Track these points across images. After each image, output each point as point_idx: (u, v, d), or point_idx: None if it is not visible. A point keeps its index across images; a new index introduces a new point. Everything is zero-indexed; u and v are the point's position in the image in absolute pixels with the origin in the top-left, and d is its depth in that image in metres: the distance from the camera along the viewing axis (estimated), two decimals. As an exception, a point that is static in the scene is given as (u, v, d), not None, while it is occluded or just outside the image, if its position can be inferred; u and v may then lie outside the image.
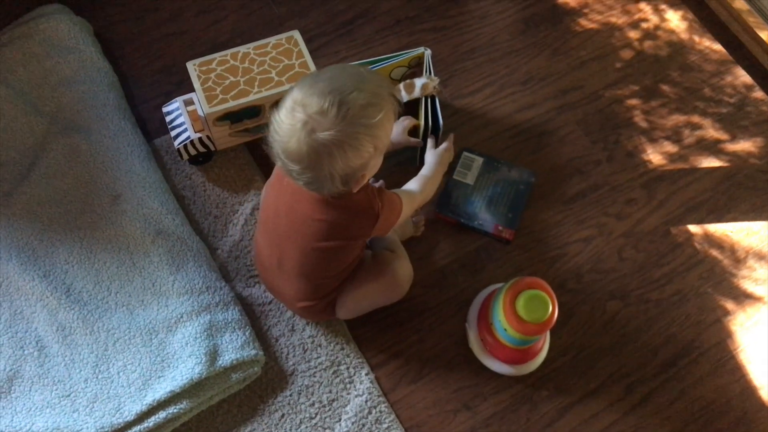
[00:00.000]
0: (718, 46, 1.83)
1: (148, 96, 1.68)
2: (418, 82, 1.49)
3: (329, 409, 1.39)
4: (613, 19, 1.85)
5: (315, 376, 1.41)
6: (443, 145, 1.49)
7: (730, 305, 1.53)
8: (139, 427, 1.31)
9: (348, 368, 1.42)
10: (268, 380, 1.40)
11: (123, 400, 1.32)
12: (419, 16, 1.83)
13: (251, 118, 1.50)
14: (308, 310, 1.39)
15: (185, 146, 1.50)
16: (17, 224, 1.46)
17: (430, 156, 1.46)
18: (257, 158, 1.59)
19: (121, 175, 1.52)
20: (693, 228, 1.60)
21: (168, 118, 1.55)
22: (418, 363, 1.44)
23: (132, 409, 1.31)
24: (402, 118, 1.51)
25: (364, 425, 1.37)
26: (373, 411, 1.38)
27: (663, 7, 1.88)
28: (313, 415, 1.38)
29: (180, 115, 1.53)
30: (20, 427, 1.30)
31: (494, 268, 1.53)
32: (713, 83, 1.78)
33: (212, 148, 1.54)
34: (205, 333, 1.37)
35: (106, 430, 1.30)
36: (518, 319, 1.24)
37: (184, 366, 1.34)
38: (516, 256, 1.55)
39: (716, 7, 1.88)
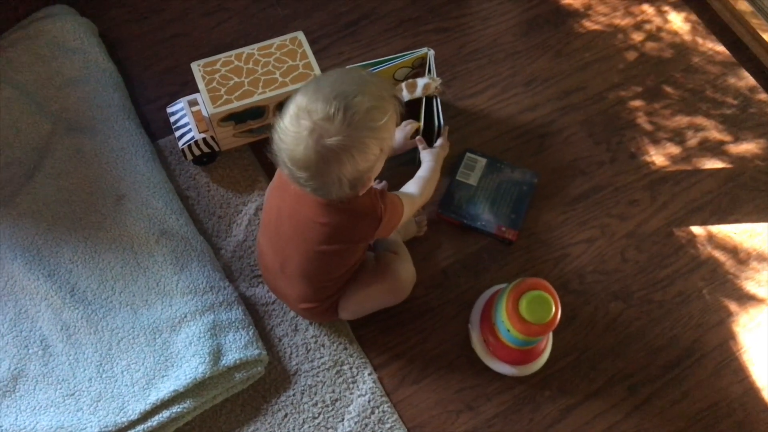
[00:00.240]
0: (721, 48, 1.83)
1: (152, 97, 1.69)
2: (420, 81, 1.49)
3: (332, 409, 1.39)
4: (617, 21, 1.86)
5: (318, 376, 1.41)
6: (438, 143, 1.49)
7: (733, 307, 1.53)
8: (142, 426, 1.31)
9: (351, 368, 1.42)
10: (271, 380, 1.41)
11: (127, 400, 1.33)
12: (423, 18, 1.83)
13: (255, 118, 1.51)
14: (311, 312, 1.40)
15: (189, 147, 1.51)
16: (22, 224, 1.47)
17: (426, 155, 1.46)
18: (261, 159, 1.60)
19: (125, 176, 1.53)
20: (696, 229, 1.60)
21: (172, 119, 1.55)
22: (420, 363, 1.44)
23: (136, 408, 1.32)
24: (404, 123, 1.51)
25: (366, 425, 1.37)
26: (376, 411, 1.39)
27: (666, 8, 1.88)
28: (316, 415, 1.38)
29: (184, 115, 1.53)
30: (24, 425, 1.30)
31: (497, 269, 1.53)
32: (716, 85, 1.78)
33: (216, 149, 1.54)
34: (209, 332, 1.38)
35: (110, 429, 1.30)
36: (521, 320, 1.24)
37: (188, 365, 1.35)
38: (519, 257, 1.55)
39: (719, 8, 1.88)
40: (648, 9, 1.88)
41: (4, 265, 1.43)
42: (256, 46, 1.52)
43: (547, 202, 1.61)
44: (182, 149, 1.52)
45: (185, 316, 1.40)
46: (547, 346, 1.43)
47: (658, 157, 1.68)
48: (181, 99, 1.56)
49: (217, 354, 1.36)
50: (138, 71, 1.72)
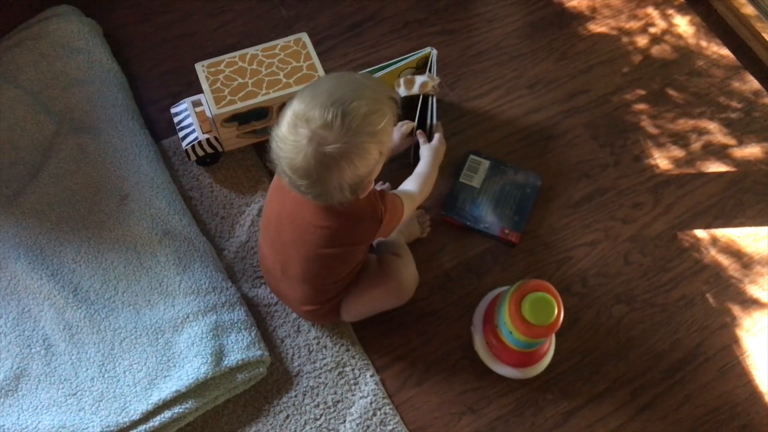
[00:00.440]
0: (726, 51, 1.83)
1: (156, 97, 1.69)
2: (419, 79, 1.49)
3: (334, 411, 1.39)
4: (621, 24, 1.85)
5: (320, 378, 1.41)
6: (436, 138, 1.49)
7: (736, 310, 1.53)
8: (144, 426, 1.31)
9: (353, 370, 1.42)
10: (273, 381, 1.41)
11: (129, 400, 1.33)
12: (427, 19, 1.83)
13: (259, 119, 1.51)
14: (313, 314, 1.40)
15: (193, 147, 1.51)
16: (26, 223, 1.47)
17: (425, 150, 1.46)
18: (264, 160, 1.60)
19: (129, 176, 1.53)
20: (700, 233, 1.60)
21: (176, 119, 1.55)
22: (423, 365, 1.44)
23: (137, 408, 1.32)
24: (400, 123, 1.51)
25: (368, 427, 1.37)
26: (378, 413, 1.39)
27: (670, 12, 1.88)
28: (318, 416, 1.38)
29: (188, 116, 1.53)
30: (26, 425, 1.31)
31: (500, 272, 1.53)
32: (721, 88, 1.78)
33: (220, 149, 1.54)
34: (211, 333, 1.38)
35: (112, 429, 1.30)
36: (524, 322, 1.24)
37: (190, 366, 1.35)
38: (522, 259, 1.55)
39: (724, 12, 1.87)
40: (652, 12, 1.88)
41: (8, 265, 1.43)
42: (260, 47, 1.52)
43: (550, 204, 1.61)
44: (186, 150, 1.52)
45: (188, 317, 1.40)
46: (549, 348, 1.42)
47: (662, 160, 1.67)
48: (184, 99, 1.56)
49: (219, 354, 1.36)
50: (142, 72, 1.72)
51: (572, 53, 1.80)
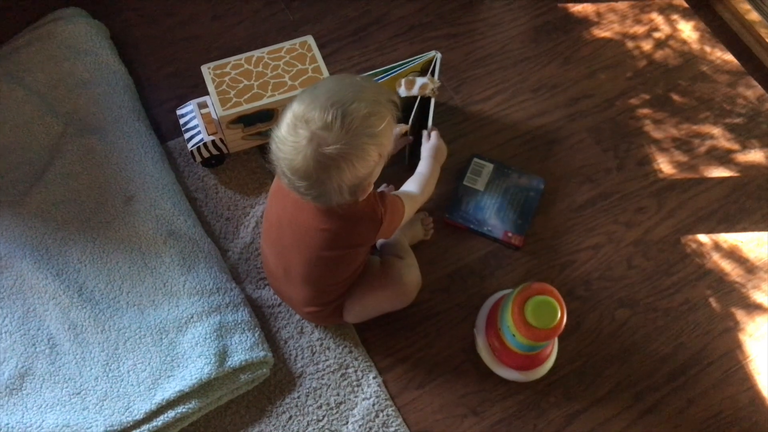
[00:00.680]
0: (729, 57, 1.83)
1: (162, 99, 1.70)
2: (419, 81, 1.49)
3: (336, 412, 1.39)
4: (626, 29, 1.86)
5: (323, 379, 1.42)
6: (433, 137, 1.47)
7: (739, 315, 1.53)
8: (147, 425, 1.32)
9: (356, 371, 1.43)
10: (276, 382, 1.41)
11: (132, 399, 1.33)
12: (432, 23, 1.84)
13: (264, 121, 1.51)
14: (315, 315, 1.41)
15: (198, 149, 1.52)
16: (32, 223, 1.48)
17: (425, 151, 1.45)
18: (266, 161, 1.60)
19: (134, 177, 1.54)
20: (703, 237, 1.60)
21: (182, 121, 1.56)
22: (425, 367, 1.44)
23: (141, 407, 1.32)
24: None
25: (371, 428, 1.37)
26: (380, 414, 1.39)
27: (675, 17, 1.89)
28: (321, 418, 1.39)
29: (194, 117, 1.54)
30: (31, 423, 1.31)
31: (503, 275, 1.54)
32: (725, 93, 1.78)
33: (225, 151, 1.55)
34: (215, 334, 1.38)
35: (116, 428, 1.31)
36: (527, 325, 1.24)
37: (194, 366, 1.35)
38: (525, 262, 1.55)
39: (729, 18, 1.88)
40: (657, 17, 1.88)
41: (13, 264, 1.44)
42: (265, 49, 1.53)
43: (553, 208, 1.61)
44: (191, 151, 1.53)
45: (192, 317, 1.41)
46: (552, 351, 1.43)
47: (665, 164, 1.68)
48: (190, 101, 1.57)
49: (222, 355, 1.36)
50: (148, 73, 1.74)
51: (576, 58, 1.81)
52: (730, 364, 1.48)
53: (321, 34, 1.79)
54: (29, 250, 1.45)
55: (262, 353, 1.38)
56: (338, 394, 1.41)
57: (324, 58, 1.55)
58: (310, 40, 1.54)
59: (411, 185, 1.39)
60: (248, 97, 1.47)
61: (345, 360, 1.44)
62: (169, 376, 1.35)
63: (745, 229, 1.61)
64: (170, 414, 1.32)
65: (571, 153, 1.68)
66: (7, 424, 1.31)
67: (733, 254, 1.59)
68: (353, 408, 1.40)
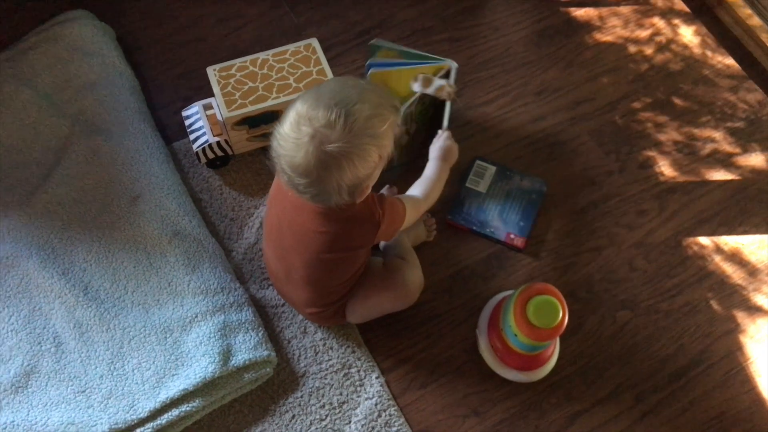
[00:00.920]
0: (731, 61, 1.84)
1: (167, 101, 1.72)
2: (437, 81, 1.47)
3: (339, 412, 1.40)
4: (627, 33, 1.87)
5: (326, 379, 1.43)
6: (443, 137, 1.45)
7: (740, 317, 1.53)
8: (152, 424, 1.33)
9: (359, 371, 1.43)
10: (279, 381, 1.42)
11: (137, 397, 1.34)
12: (435, 27, 1.85)
13: (269, 123, 1.53)
14: (318, 316, 1.42)
15: (204, 150, 1.53)
16: (38, 223, 1.50)
17: (433, 151, 1.44)
18: (266, 157, 1.61)
19: (140, 177, 1.55)
20: (704, 240, 1.61)
21: (187, 122, 1.58)
22: (428, 368, 1.45)
23: (146, 406, 1.33)
24: None
25: (373, 428, 1.38)
26: (383, 414, 1.40)
27: (676, 21, 1.90)
28: (324, 417, 1.40)
29: (199, 119, 1.56)
30: (36, 421, 1.32)
31: (505, 276, 1.55)
32: (726, 98, 1.79)
33: (230, 152, 1.57)
34: (219, 333, 1.39)
35: (120, 426, 1.32)
36: (529, 325, 1.25)
37: (198, 365, 1.36)
38: (527, 264, 1.56)
39: (730, 22, 1.89)
40: (659, 22, 1.90)
41: (20, 263, 1.45)
42: (270, 51, 1.54)
43: (556, 210, 1.62)
44: (196, 152, 1.54)
45: (196, 316, 1.42)
46: (554, 352, 1.43)
47: (666, 167, 1.69)
48: (196, 103, 1.59)
49: (226, 354, 1.37)
50: (154, 75, 1.75)
51: (579, 61, 1.82)
52: (731, 366, 1.48)
53: (325, 37, 1.80)
54: (35, 249, 1.46)
55: (265, 353, 1.39)
56: (341, 394, 1.42)
57: (328, 60, 1.56)
58: (314, 42, 1.56)
59: (415, 189, 1.40)
60: (253, 98, 1.48)
61: (348, 360, 1.45)
62: (173, 375, 1.36)
63: (746, 232, 1.62)
64: (174, 412, 1.33)
65: (573, 156, 1.69)
66: (13, 421, 1.32)
67: (734, 257, 1.60)
68: (356, 408, 1.41)
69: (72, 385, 1.36)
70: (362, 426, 1.38)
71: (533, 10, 1.90)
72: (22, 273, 1.45)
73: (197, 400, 1.34)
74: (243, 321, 1.42)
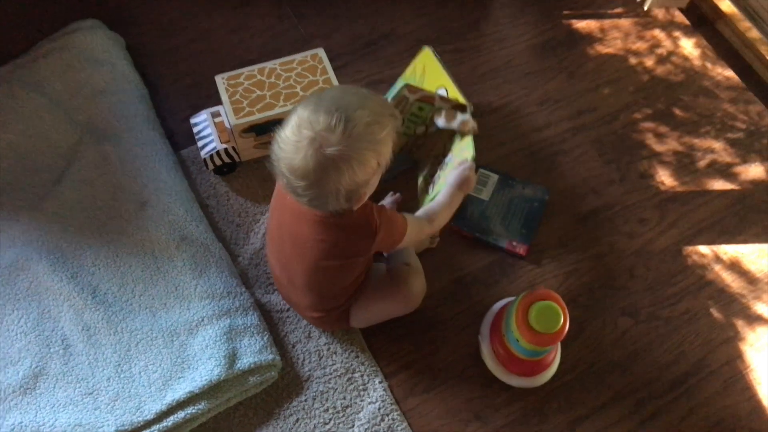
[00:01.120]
0: (730, 73, 1.87)
1: (176, 109, 1.75)
2: (460, 116, 1.51)
3: (343, 416, 1.42)
4: (629, 45, 1.91)
5: (330, 383, 1.44)
6: (465, 167, 1.45)
7: (740, 326, 1.55)
8: (158, 426, 1.34)
9: (362, 376, 1.45)
10: (284, 385, 1.44)
11: (143, 399, 1.36)
12: (439, 38, 1.89)
13: (276, 130, 1.55)
14: (321, 321, 1.44)
15: (211, 156, 1.56)
16: (48, 227, 1.52)
17: (451, 177, 1.45)
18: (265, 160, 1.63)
19: (148, 183, 1.58)
20: (704, 249, 1.63)
21: (195, 129, 1.61)
22: (430, 373, 1.47)
23: (152, 408, 1.35)
24: (392, 198, 1.59)
25: (376, 432, 1.40)
26: (386, 418, 1.41)
27: (677, 34, 1.93)
28: (327, 421, 1.41)
29: (207, 126, 1.59)
30: (43, 422, 1.34)
31: (507, 283, 1.56)
32: (726, 109, 1.82)
33: (237, 159, 1.59)
34: (225, 336, 1.41)
35: (126, 428, 1.33)
36: (530, 330, 1.27)
37: (204, 368, 1.38)
38: (529, 271, 1.58)
39: (729, 35, 1.92)
40: (659, 34, 1.93)
41: (30, 267, 1.47)
42: (278, 61, 1.58)
43: (557, 218, 1.64)
44: (204, 159, 1.57)
45: (202, 320, 1.44)
46: (555, 358, 1.45)
47: (667, 177, 1.71)
48: (204, 110, 1.62)
49: (232, 357, 1.39)
50: (163, 84, 1.78)
51: (581, 72, 1.85)
52: (731, 374, 1.50)
53: (331, 48, 1.83)
54: (45, 253, 1.49)
55: (270, 356, 1.41)
56: (344, 398, 1.43)
57: (334, 71, 1.59)
58: (321, 52, 1.59)
59: (423, 212, 1.41)
60: (261, 106, 1.51)
61: (351, 364, 1.46)
62: (179, 378, 1.38)
63: (745, 241, 1.64)
64: (180, 414, 1.35)
65: (574, 165, 1.71)
66: (21, 422, 1.34)
67: (733, 265, 1.61)
68: (359, 412, 1.42)
69: (79, 387, 1.38)
70: (365, 430, 1.40)
71: (536, 22, 1.93)
72: (32, 276, 1.47)
73: (203, 403, 1.36)
74: (248, 325, 1.44)
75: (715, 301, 1.57)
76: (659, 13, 1.96)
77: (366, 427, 1.40)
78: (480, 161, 1.68)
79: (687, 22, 1.95)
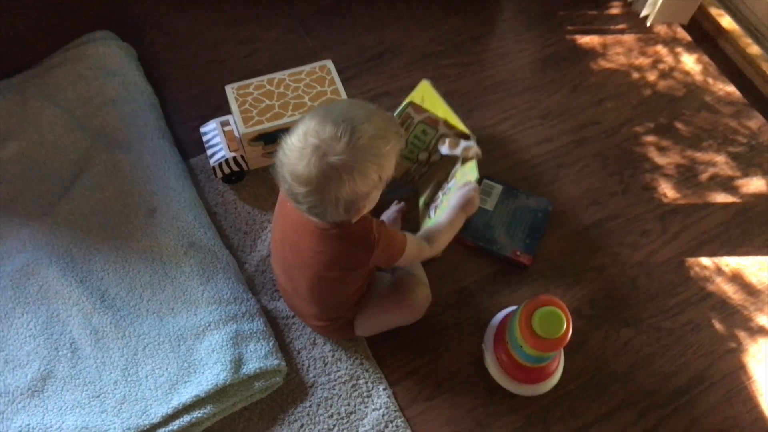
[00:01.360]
0: (732, 89, 1.90)
1: (185, 118, 1.78)
2: (463, 143, 1.53)
3: (347, 422, 1.43)
4: (631, 60, 1.93)
5: (334, 389, 1.45)
6: (469, 188, 1.47)
7: (742, 337, 1.56)
8: (164, 429, 1.35)
9: (366, 383, 1.46)
10: (289, 391, 1.45)
11: (150, 403, 1.37)
12: (444, 52, 1.92)
13: (284, 140, 1.58)
14: (325, 329, 1.46)
15: (220, 165, 1.59)
16: (59, 232, 1.54)
17: (455, 198, 1.46)
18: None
19: (157, 190, 1.61)
20: (706, 261, 1.64)
21: (205, 138, 1.63)
22: (434, 380, 1.48)
23: (158, 411, 1.36)
24: (395, 208, 1.60)
25: (380, 438, 1.41)
26: (390, 425, 1.42)
27: (679, 50, 1.96)
28: (331, 427, 1.42)
29: (216, 135, 1.61)
30: (51, 424, 1.35)
31: (511, 292, 1.58)
32: (727, 123, 1.84)
33: (245, 168, 1.62)
34: (231, 341, 1.43)
35: (133, 430, 1.34)
36: (534, 336, 1.28)
37: (210, 372, 1.39)
38: (532, 280, 1.59)
39: (731, 51, 1.95)
40: (662, 50, 1.96)
41: (40, 271, 1.50)
42: (287, 72, 1.61)
43: (561, 229, 1.66)
44: (213, 167, 1.59)
45: (209, 325, 1.45)
46: (558, 366, 1.46)
47: (669, 189, 1.73)
48: (213, 119, 1.65)
49: (238, 362, 1.41)
50: (173, 94, 1.82)
51: (583, 87, 1.88)
52: (733, 385, 1.51)
53: (338, 60, 1.85)
54: (55, 257, 1.51)
55: (275, 362, 1.42)
56: (349, 405, 1.44)
57: (341, 82, 1.62)
58: (329, 63, 1.62)
59: (425, 232, 1.42)
60: (270, 116, 1.54)
61: (356, 371, 1.47)
62: (185, 382, 1.40)
63: (747, 254, 1.66)
64: (186, 418, 1.36)
65: (577, 177, 1.74)
66: (29, 424, 1.35)
67: (735, 278, 1.63)
68: (363, 418, 1.43)
69: (87, 390, 1.39)
70: (369, 436, 1.41)
71: (539, 38, 1.97)
72: (42, 280, 1.49)
73: (208, 407, 1.37)
74: (254, 331, 1.46)
75: (716, 313, 1.58)
76: (661, 30, 2.00)
77: (370, 433, 1.41)
78: (484, 172, 1.71)
79: (689, 38, 1.98)
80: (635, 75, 1.91)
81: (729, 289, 1.61)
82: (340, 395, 1.45)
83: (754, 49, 1.91)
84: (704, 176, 1.76)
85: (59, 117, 1.68)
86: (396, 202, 1.62)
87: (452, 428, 1.43)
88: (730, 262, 1.64)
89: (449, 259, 1.60)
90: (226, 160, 1.58)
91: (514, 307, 1.51)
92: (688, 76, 1.92)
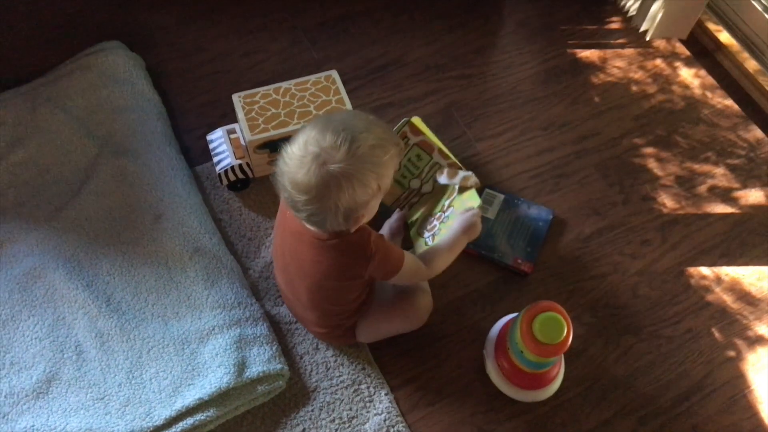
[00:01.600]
0: (730, 102, 1.93)
1: (192, 126, 1.81)
2: (461, 173, 1.55)
3: (349, 426, 1.44)
4: (631, 74, 1.97)
5: (336, 394, 1.46)
6: (472, 213, 1.47)
7: (741, 346, 1.57)
8: (167, 431, 1.36)
9: (368, 387, 1.47)
10: (291, 395, 1.46)
11: (153, 405, 1.39)
12: (447, 65, 1.95)
13: (289, 147, 1.60)
14: (326, 336, 1.48)
15: (226, 172, 1.61)
16: (66, 237, 1.56)
17: (457, 222, 1.47)
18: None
19: (164, 197, 1.63)
20: (705, 270, 1.66)
21: (211, 146, 1.66)
22: (436, 386, 1.49)
23: (162, 414, 1.37)
24: (396, 218, 1.62)
25: (382, 443, 1.41)
26: (391, 430, 1.43)
27: (677, 64, 1.99)
28: (333, 431, 1.43)
29: (222, 142, 1.64)
30: (55, 426, 1.36)
31: (512, 299, 1.59)
32: (726, 136, 1.87)
33: (251, 175, 1.64)
34: (235, 345, 1.44)
35: (136, 433, 1.36)
36: (534, 341, 1.29)
37: (213, 375, 1.40)
38: (533, 288, 1.61)
39: (729, 66, 1.98)
40: (661, 64, 1.99)
41: (47, 274, 1.51)
42: (293, 81, 1.64)
43: (562, 238, 1.68)
44: (219, 174, 1.62)
45: (213, 329, 1.47)
46: (559, 372, 1.47)
47: (669, 200, 1.75)
48: (220, 128, 1.67)
49: (241, 366, 1.42)
50: (180, 103, 1.85)
51: (584, 99, 1.91)
52: (733, 393, 1.51)
53: (343, 71, 1.89)
54: (62, 261, 1.53)
55: (278, 366, 1.43)
56: (351, 409, 1.45)
57: (346, 93, 1.65)
58: (334, 74, 1.65)
59: (424, 252, 1.43)
60: (275, 124, 1.57)
61: (358, 376, 1.49)
62: (189, 385, 1.41)
63: (746, 264, 1.67)
64: (189, 421, 1.37)
65: (578, 187, 1.76)
66: (33, 425, 1.36)
67: (734, 287, 1.64)
68: (365, 423, 1.44)
69: (91, 392, 1.40)
70: (371, 441, 1.42)
71: (541, 51, 2.00)
72: (48, 284, 1.51)
73: (211, 410, 1.38)
74: (258, 335, 1.47)
75: (716, 321, 1.60)
76: (660, 44, 2.03)
77: (371, 438, 1.42)
78: (486, 181, 1.73)
79: (687, 52, 2.02)
80: (635, 88, 1.94)
81: (728, 299, 1.63)
82: (342, 400, 1.46)
83: (751, 64, 1.94)
84: (703, 187, 1.78)
85: (68, 124, 1.71)
86: (398, 210, 1.64)
87: (453, 434, 1.44)
88: (729, 272, 1.66)
89: (451, 267, 1.59)
90: (232, 168, 1.60)
91: (515, 315, 1.52)
92: (686, 90, 1.95)
